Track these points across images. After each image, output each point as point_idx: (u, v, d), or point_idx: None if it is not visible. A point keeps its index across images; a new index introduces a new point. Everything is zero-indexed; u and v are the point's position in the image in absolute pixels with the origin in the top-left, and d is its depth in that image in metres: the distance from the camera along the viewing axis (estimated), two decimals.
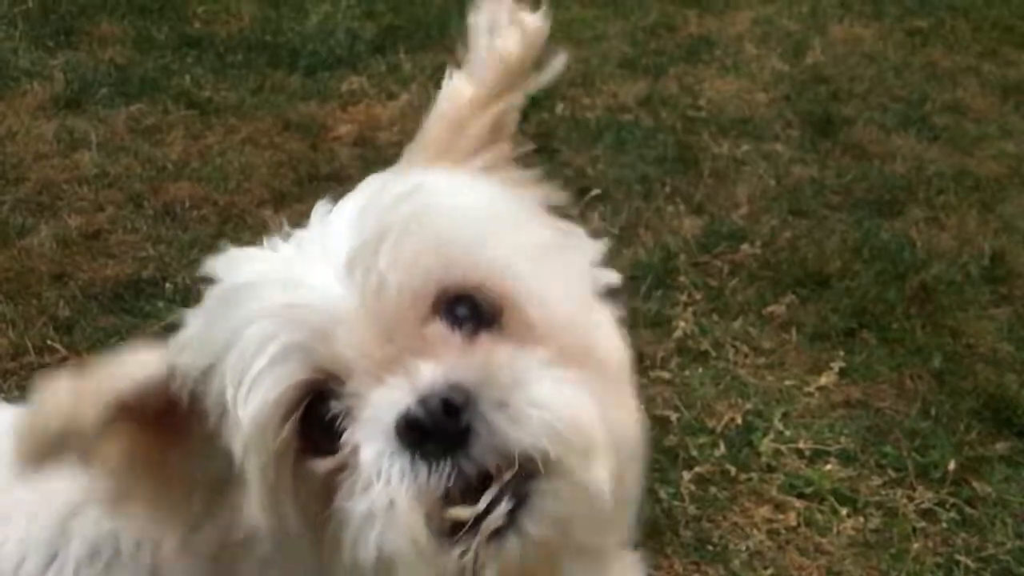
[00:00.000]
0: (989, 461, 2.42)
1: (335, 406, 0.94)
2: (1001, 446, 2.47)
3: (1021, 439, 2.49)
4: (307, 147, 3.54)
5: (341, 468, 0.94)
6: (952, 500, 2.32)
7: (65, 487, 1.21)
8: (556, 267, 1.02)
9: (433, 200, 0.98)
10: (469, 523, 0.90)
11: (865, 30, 4.52)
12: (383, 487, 0.90)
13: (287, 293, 0.94)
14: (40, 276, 2.89)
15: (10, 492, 1.25)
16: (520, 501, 0.90)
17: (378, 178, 1.05)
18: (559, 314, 0.98)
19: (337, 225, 0.98)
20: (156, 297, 2.82)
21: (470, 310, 0.97)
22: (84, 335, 2.67)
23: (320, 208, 1.02)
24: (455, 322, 0.96)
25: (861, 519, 2.27)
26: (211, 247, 3.41)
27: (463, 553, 0.90)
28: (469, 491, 0.90)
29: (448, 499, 0.90)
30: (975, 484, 2.36)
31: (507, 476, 0.90)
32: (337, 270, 0.94)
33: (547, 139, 3.66)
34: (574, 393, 0.93)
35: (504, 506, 0.90)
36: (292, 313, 0.93)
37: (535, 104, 3.86)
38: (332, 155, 3.52)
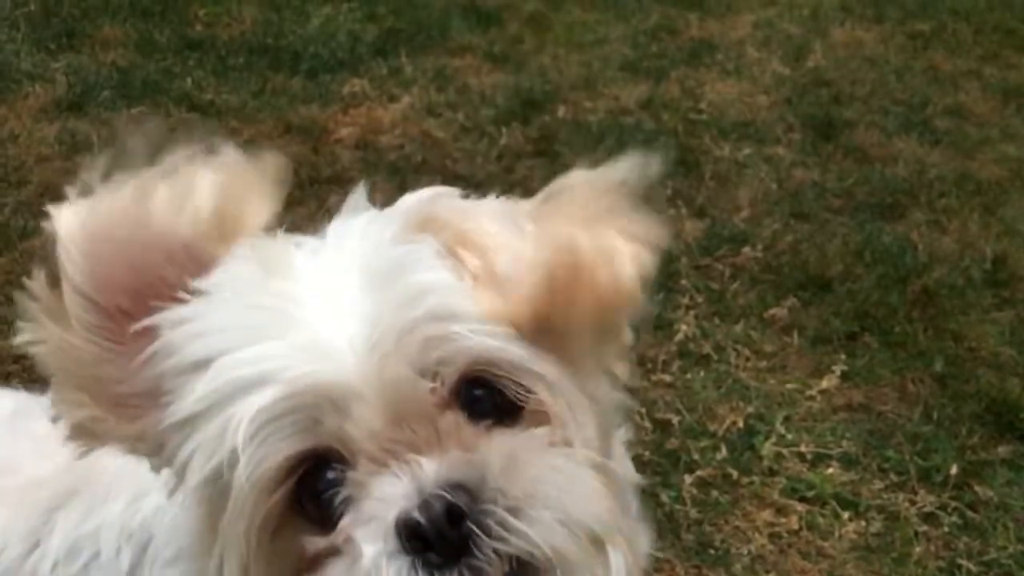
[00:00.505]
0: (991, 465, 2.42)
1: (332, 480, 0.90)
2: (1003, 450, 2.46)
3: (1023, 443, 2.49)
4: (308, 150, 3.54)
5: (331, 552, 0.90)
6: (954, 504, 2.32)
7: (53, 477, 1.22)
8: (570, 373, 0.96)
9: (455, 294, 0.92)
10: None
11: (866, 33, 4.53)
12: None
13: (308, 358, 0.88)
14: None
15: None
16: None
17: (384, 218, 0.98)
18: (578, 407, 0.94)
19: (355, 278, 0.91)
20: None
21: (488, 395, 0.93)
22: None
23: (346, 221, 0.97)
24: (473, 408, 0.92)
25: (863, 523, 2.27)
26: None
27: None
28: None
29: None
30: (977, 488, 2.36)
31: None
32: (360, 340, 0.88)
33: (549, 143, 3.67)
34: (588, 488, 0.90)
35: None
36: (311, 380, 0.87)
37: (537, 107, 3.87)
38: (333, 158, 3.52)
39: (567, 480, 0.89)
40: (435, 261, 0.93)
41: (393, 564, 0.85)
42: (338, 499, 0.89)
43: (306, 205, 3.29)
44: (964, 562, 2.19)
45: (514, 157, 3.59)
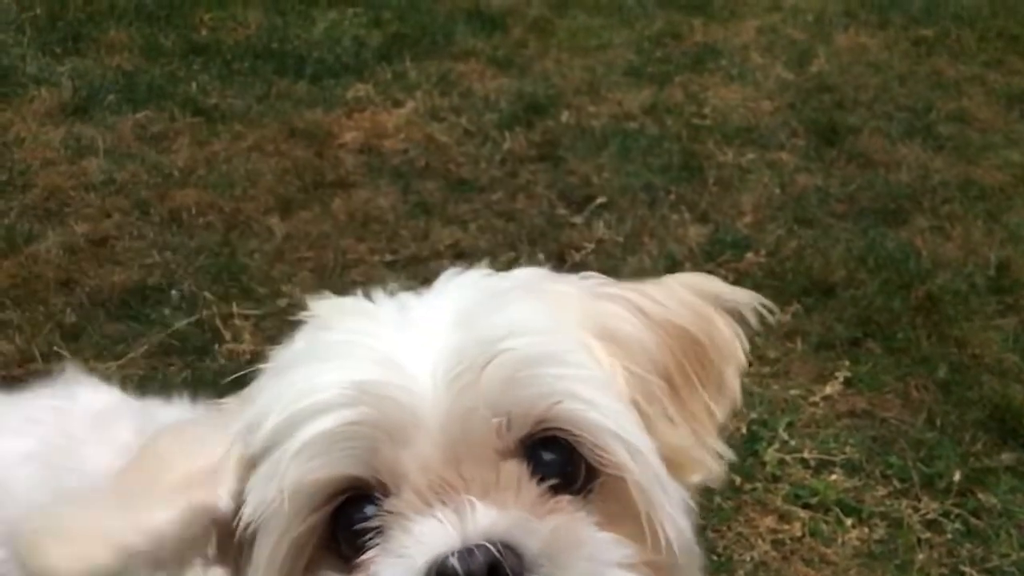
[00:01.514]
0: (994, 472, 2.41)
1: (369, 515, 0.83)
2: (1007, 457, 2.46)
3: None
4: (313, 154, 3.55)
5: None
6: (957, 511, 2.32)
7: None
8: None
9: (557, 346, 0.87)
10: None
11: (870, 39, 4.53)
12: None
13: (380, 373, 0.84)
14: (47, 283, 2.89)
15: (64, 481, 1.24)
16: None
17: (497, 277, 0.94)
18: (653, 509, 0.86)
19: (445, 316, 0.87)
20: (162, 304, 2.83)
21: (559, 460, 0.85)
22: (90, 342, 2.68)
23: (438, 281, 0.93)
24: (539, 469, 0.84)
25: (866, 529, 2.27)
26: (217, 254, 3.41)
27: None
28: None
29: None
30: (980, 495, 2.36)
31: None
32: (436, 372, 0.83)
33: (552, 147, 3.67)
34: None
35: None
36: (378, 397, 0.83)
37: (540, 112, 3.87)
38: (338, 162, 3.52)
39: None
40: (531, 305, 0.88)
41: None
42: (371, 532, 0.83)
43: (310, 209, 3.30)
44: (967, 569, 2.19)
45: (517, 162, 3.59)
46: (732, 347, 0.98)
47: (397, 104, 3.89)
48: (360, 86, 3.98)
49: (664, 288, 0.98)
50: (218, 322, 2.76)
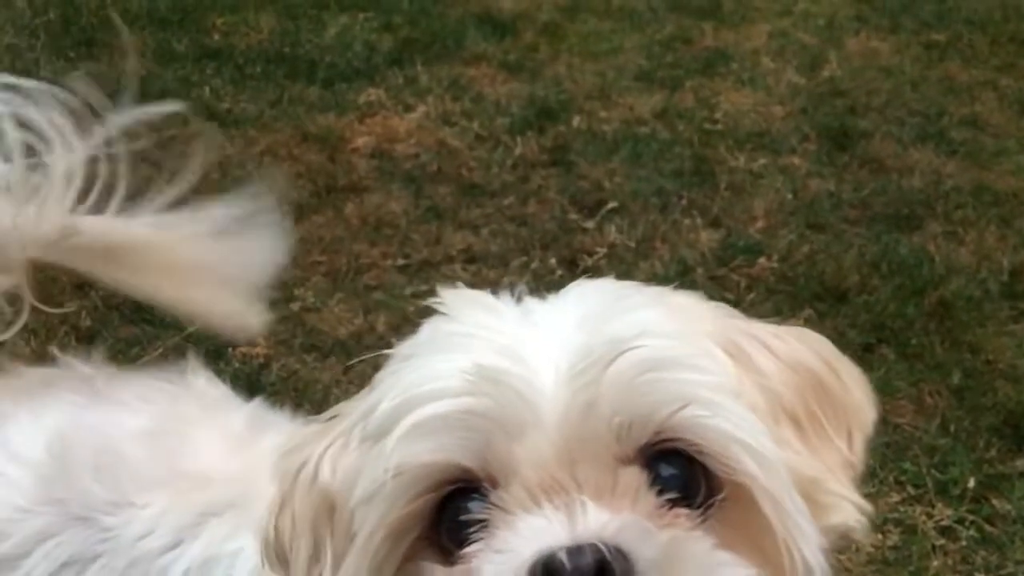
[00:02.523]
0: (1009, 478, 2.40)
1: (475, 509, 0.82)
2: (1021, 463, 2.45)
3: None
4: (325, 158, 3.56)
5: None
6: (971, 517, 2.31)
7: (220, 481, 1.22)
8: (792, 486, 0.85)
9: (684, 351, 0.85)
10: None
11: (882, 43, 4.52)
12: None
13: (501, 363, 0.83)
14: (62, 286, 2.91)
15: (175, 463, 1.25)
16: None
17: (622, 286, 0.93)
18: (782, 524, 0.82)
19: (570, 316, 0.87)
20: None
21: (680, 475, 0.82)
22: (105, 345, 2.69)
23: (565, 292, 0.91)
24: (657, 482, 0.82)
25: (880, 536, 2.26)
26: None
27: None
28: None
29: None
30: (995, 501, 2.35)
31: None
32: (558, 367, 0.82)
33: (564, 152, 3.68)
34: None
35: None
36: (497, 387, 0.81)
37: (552, 117, 3.88)
38: (350, 166, 3.54)
39: None
40: (659, 312, 0.86)
41: None
42: (475, 526, 0.81)
43: (322, 213, 3.31)
44: None
45: (529, 166, 3.60)
46: (862, 407, 0.95)
47: (408, 109, 3.90)
48: (372, 91, 3.99)
49: (789, 332, 0.96)
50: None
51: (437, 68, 4.17)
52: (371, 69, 4.14)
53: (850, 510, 0.88)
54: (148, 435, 1.30)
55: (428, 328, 0.92)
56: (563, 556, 0.74)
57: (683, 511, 0.81)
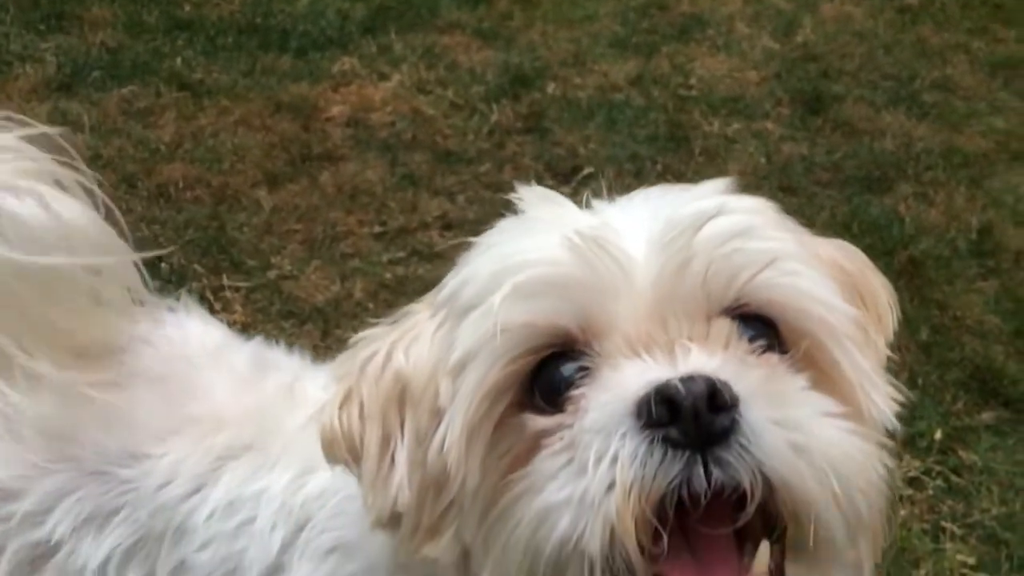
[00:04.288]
0: (975, 431, 2.46)
1: (570, 371, 0.86)
2: (987, 416, 2.51)
3: (1007, 408, 2.53)
4: (299, 128, 3.55)
5: (554, 432, 0.84)
6: (938, 468, 2.36)
7: (235, 423, 1.22)
8: (858, 339, 0.93)
9: (761, 221, 0.92)
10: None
11: (855, 8, 4.53)
12: (604, 467, 0.77)
13: (596, 231, 0.87)
14: None
15: (185, 407, 1.25)
16: None
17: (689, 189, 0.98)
18: (855, 373, 0.90)
19: (652, 203, 0.93)
20: (152, 277, 2.82)
21: (764, 333, 0.88)
22: None
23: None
24: (745, 333, 0.88)
25: None
26: (206, 227, 3.41)
27: None
28: (709, 508, 0.78)
29: (677, 506, 0.78)
30: (961, 453, 2.40)
31: (751, 509, 0.77)
32: (650, 234, 0.88)
33: (539, 119, 3.68)
34: (860, 450, 0.83)
35: None
36: (593, 251, 0.85)
37: (527, 84, 3.88)
38: (324, 136, 3.53)
39: (839, 433, 0.82)
40: (733, 199, 0.93)
41: (627, 443, 0.78)
42: (574, 382, 0.85)
43: (298, 182, 3.30)
44: (948, 524, 2.24)
45: (504, 133, 3.60)
46: (888, 312, 1.02)
47: (383, 77, 3.89)
48: (345, 59, 3.97)
49: (828, 240, 1.04)
50: (209, 294, 2.78)
51: (411, 36, 4.15)
52: (344, 38, 4.12)
53: (887, 398, 0.95)
54: (154, 381, 1.30)
55: (509, 220, 0.96)
56: (677, 383, 0.78)
57: (773, 356, 0.87)
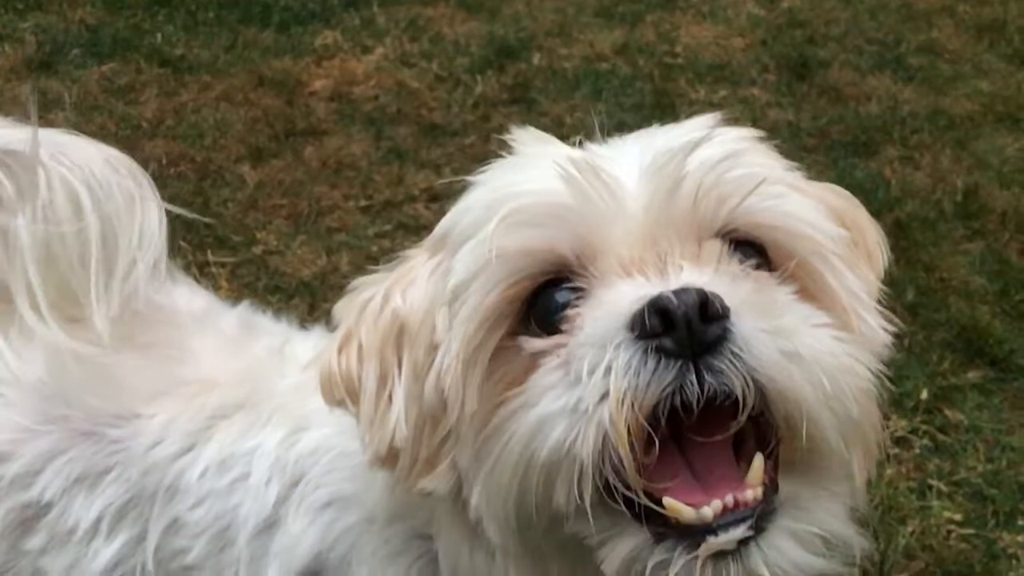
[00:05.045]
0: (961, 390, 2.47)
1: (564, 297, 0.87)
2: (973, 375, 2.52)
3: (993, 368, 2.55)
4: (283, 103, 3.53)
5: (550, 351, 0.86)
6: (925, 428, 2.38)
7: (225, 384, 1.22)
8: (846, 258, 0.95)
9: (748, 148, 0.94)
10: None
11: None
12: (599, 377, 0.79)
13: (588, 160, 0.89)
14: None
15: (174, 370, 1.25)
16: (762, 519, 0.80)
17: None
18: (843, 290, 0.92)
19: (641, 136, 0.96)
20: None
21: (754, 257, 0.90)
22: None
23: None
24: (735, 254, 0.90)
25: None
26: (190, 203, 3.38)
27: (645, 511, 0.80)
28: (704, 418, 0.80)
29: (672, 420, 0.79)
30: (947, 412, 2.42)
31: (743, 417, 0.79)
32: (641, 161, 0.90)
33: (524, 90, 3.66)
34: (849, 356, 0.85)
35: (741, 531, 0.79)
36: (586, 179, 0.87)
37: (512, 55, 3.85)
38: (308, 110, 3.50)
39: (830, 341, 0.84)
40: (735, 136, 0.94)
41: (621, 353, 0.79)
42: (569, 305, 0.86)
43: (282, 157, 3.28)
44: (935, 482, 2.26)
45: (490, 105, 3.58)
46: (878, 250, 1.04)
47: (366, 51, 3.86)
48: (328, 33, 3.93)
49: (819, 183, 1.04)
50: (194, 270, 2.76)
51: (394, 9, 4.12)
52: (327, 11, 4.08)
53: (878, 321, 0.97)
54: (143, 345, 1.29)
55: (503, 159, 0.98)
56: (670, 295, 0.80)
57: (763, 274, 0.89)
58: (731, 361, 0.80)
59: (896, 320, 1.01)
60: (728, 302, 0.81)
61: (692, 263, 0.86)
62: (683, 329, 0.79)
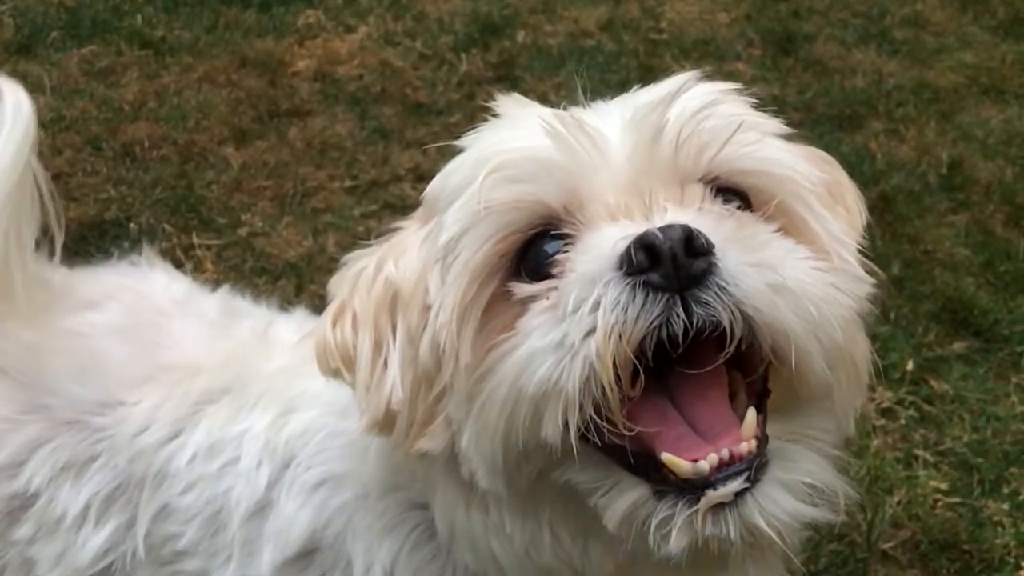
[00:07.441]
0: (946, 360, 2.49)
1: (554, 247, 0.89)
2: (958, 346, 2.54)
3: (978, 338, 2.57)
4: (266, 83, 3.50)
5: (541, 295, 0.88)
6: (911, 399, 2.40)
7: (210, 369, 1.22)
8: (825, 200, 0.97)
9: (726, 98, 0.96)
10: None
11: None
12: (586, 312, 0.81)
13: (572, 117, 0.92)
14: None
15: (157, 356, 1.25)
16: (757, 471, 0.82)
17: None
18: (823, 230, 0.93)
19: (623, 99, 0.98)
20: (121, 238, 2.80)
21: (735, 202, 0.92)
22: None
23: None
24: (719, 195, 0.92)
25: None
26: (174, 186, 3.36)
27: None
28: (689, 352, 0.82)
29: (657, 349, 0.81)
30: (933, 383, 2.44)
31: (731, 348, 0.81)
32: (623, 115, 0.92)
33: (509, 68, 3.64)
34: (831, 285, 0.87)
35: (738, 483, 0.81)
36: (570, 133, 0.89)
37: (496, 33, 3.83)
38: (292, 91, 3.47)
39: (814, 272, 0.86)
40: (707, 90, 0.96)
41: (609, 290, 0.81)
42: (558, 252, 0.89)
43: (266, 139, 3.26)
44: (920, 452, 2.28)
45: (475, 83, 3.56)
46: (856, 210, 1.06)
47: (349, 30, 3.83)
48: (311, 13, 3.90)
49: (795, 146, 1.05)
50: (179, 253, 2.75)
51: None
52: None
53: (858, 263, 0.98)
54: (124, 332, 1.28)
55: (488, 124, 1.00)
56: (656, 231, 0.82)
57: (745, 213, 0.92)
58: (717, 294, 0.81)
59: (876, 270, 1.03)
60: (713, 238, 0.83)
61: (676, 205, 0.88)
62: (669, 263, 0.81)
